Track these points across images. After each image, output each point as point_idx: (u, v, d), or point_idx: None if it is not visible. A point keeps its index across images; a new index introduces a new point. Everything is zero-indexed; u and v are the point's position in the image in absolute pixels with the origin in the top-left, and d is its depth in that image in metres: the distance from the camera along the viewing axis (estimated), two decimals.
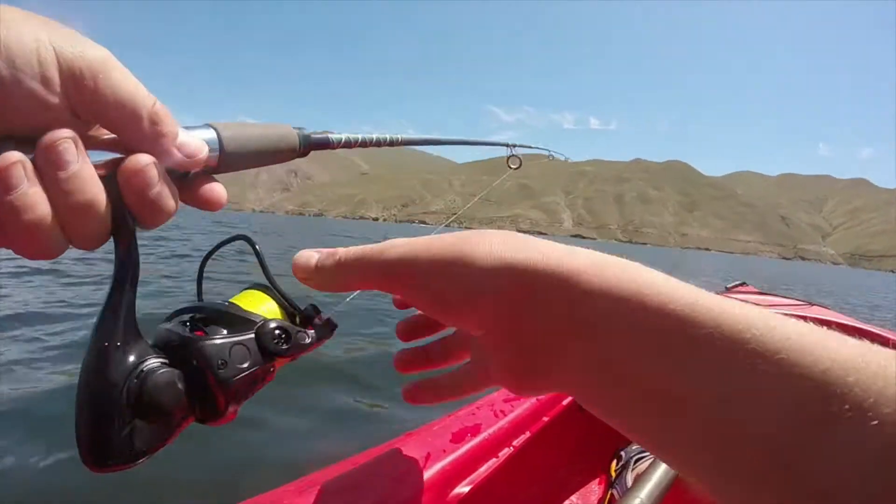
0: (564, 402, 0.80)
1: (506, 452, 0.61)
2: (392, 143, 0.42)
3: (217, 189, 0.26)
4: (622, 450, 0.96)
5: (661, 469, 0.62)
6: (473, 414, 0.64)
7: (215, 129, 0.26)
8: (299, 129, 0.32)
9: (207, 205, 0.26)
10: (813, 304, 1.36)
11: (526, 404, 0.70)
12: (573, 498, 0.88)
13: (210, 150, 0.25)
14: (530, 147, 0.68)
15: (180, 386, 0.24)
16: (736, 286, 1.67)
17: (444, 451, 0.53)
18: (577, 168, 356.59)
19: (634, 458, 0.91)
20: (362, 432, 1.69)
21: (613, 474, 0.92)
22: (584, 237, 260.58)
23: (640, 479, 0.62)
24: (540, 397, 0.74)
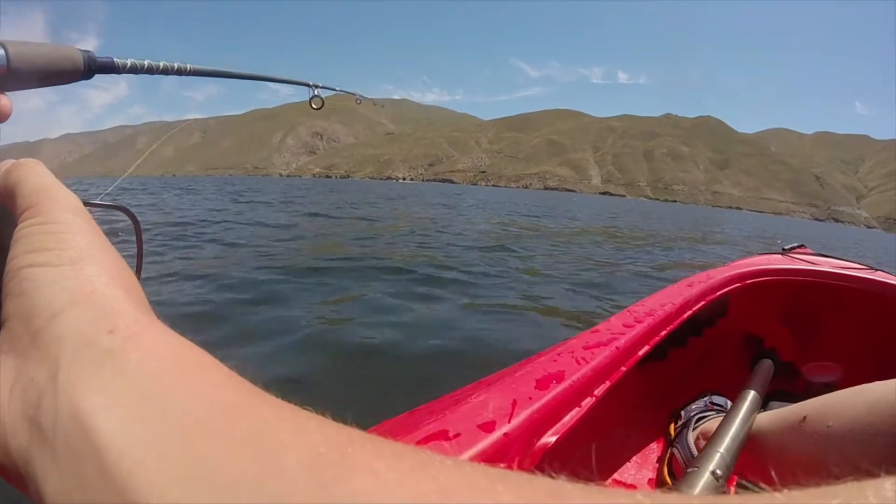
0: (640, 353, 0.76)
1: (588, 402, 0.59)
2: (180, 72, 0.40)
3: (3, 101, 0.27)
4: (681, 409, 0.94)
5: (734, 427, 0.60)
6: (555, 360, 0.62)
7: (3, 45, 0.27)
8: (86, 51, 0.32)
9: None
10: (877, 270, 1.29)
11: (606, 351, 0.67)
12: (635, 457, 0.87)
13: None
14: (333, 89, 0.65)
15: None
16: (794, 248, 1.57)
17: (530, 398, 0.51)
18: (606, 123, 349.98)
19: (696, 418, 0.88)
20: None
21: (673, 433, 0.90)
22: (612, 194, 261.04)
23: (717, 435, 0.61)
24: (618, 344, 0.70)
